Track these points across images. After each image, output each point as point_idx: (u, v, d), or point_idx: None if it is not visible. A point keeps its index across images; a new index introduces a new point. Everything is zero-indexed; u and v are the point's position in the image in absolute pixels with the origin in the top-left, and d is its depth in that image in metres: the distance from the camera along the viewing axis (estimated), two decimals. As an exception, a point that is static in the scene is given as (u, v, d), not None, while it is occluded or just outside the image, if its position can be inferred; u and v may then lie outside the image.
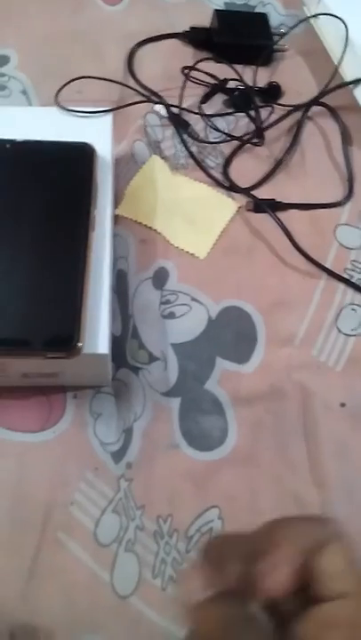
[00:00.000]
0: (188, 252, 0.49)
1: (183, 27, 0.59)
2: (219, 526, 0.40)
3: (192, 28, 0.59)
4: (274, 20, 0.61)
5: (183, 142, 0.53)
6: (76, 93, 0.52)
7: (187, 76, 0.54)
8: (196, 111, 0.54)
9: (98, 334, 0.38)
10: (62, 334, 0.37)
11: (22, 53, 0.57)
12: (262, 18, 0.60)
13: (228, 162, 0.53)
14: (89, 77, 0.52)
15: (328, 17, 0.56)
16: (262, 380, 0.45)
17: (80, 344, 0.36)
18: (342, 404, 0.44)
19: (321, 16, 0.57)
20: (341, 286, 0.48)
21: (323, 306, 0.48)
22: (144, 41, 0.58)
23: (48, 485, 0.40)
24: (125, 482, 0.41)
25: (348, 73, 0.55)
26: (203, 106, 0.54)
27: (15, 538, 0.39)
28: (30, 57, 0.57)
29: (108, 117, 0.46)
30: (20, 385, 0.42)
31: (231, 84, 0.56)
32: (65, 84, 0.50)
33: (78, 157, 0.43)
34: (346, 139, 0.54)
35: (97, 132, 0.45)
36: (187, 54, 0.58)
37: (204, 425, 0.43)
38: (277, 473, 0.42)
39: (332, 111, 0.56)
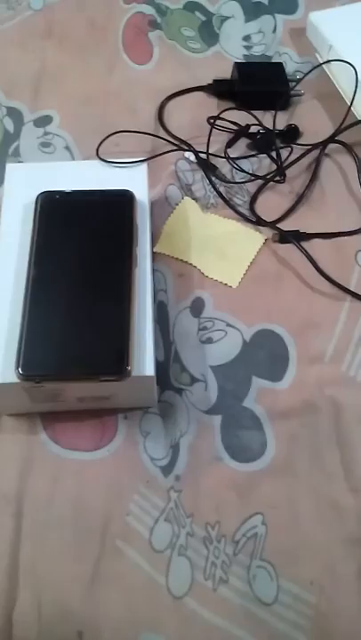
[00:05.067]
0: (221, 282, 0.53)
1: (207, 79, 0.65)
2: (263, 531, 0.43)
3: (215, 81, 0.65)
4: (290, 68, 0.66)
5: (212, 184, 0.58)
6: (113, 146, 0.58)
7: (212, 125, 0.59)
8: (223, 155, 0.59)
9: (144, 359, 0.43)
10: (114, 360, 0.41)
11: (63, 113, 0.63)
12: (279, 67, 0.65)
13: (253, 199, 0.58)
14: (124, 132, 0.59)
15: (339, 62, 0.62)
16: (296, 395, 0.48)
17: (129, 368, 0.41)
18: (372, 415, 0.47)
19: (332, 62, 0.63)
20: (365, 306, 0.52)
21: (349, 325, 0.51)
22: (172, 95, 0.65)
23: (105, 498, 0.45)
24: (175, 493, 0.45)
25: (360, 111, 0.60)
26: (228, 150, 0.60)
27: (78, 546, 0.43)
28: (71, 116, 0.63)
29: (144, 166, 0.52)
30: (77, 409, 0.47)
31: (253, 129, 0.61)
32: (104, 140, 0.57)
33: (120, 203, 0.48)
34: (361, 171, 0.59)
35: (134, 180, 0.51)
36: (211, 104, 0.64)
37: (244, 439, 0.47)
38: (314, 481, 0.45)
39: (347, 147, 0.60)
